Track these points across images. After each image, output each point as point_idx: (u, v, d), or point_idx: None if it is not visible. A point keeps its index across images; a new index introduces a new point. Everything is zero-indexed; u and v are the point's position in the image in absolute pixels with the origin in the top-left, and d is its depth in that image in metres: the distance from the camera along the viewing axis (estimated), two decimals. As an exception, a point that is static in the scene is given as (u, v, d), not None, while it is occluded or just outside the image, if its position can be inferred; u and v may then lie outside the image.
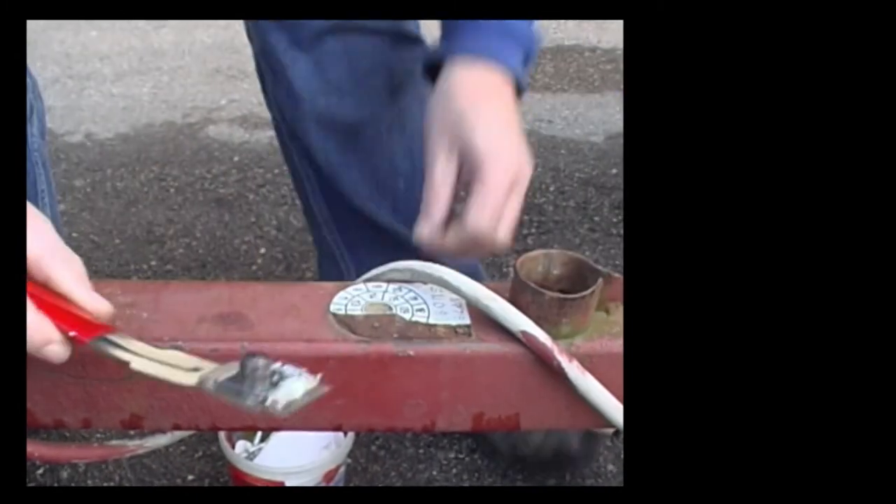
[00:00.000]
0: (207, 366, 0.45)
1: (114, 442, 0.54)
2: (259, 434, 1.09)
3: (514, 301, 0.50)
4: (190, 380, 0.44)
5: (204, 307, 0.51)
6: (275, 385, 0.42)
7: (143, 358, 0.46)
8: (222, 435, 1.05)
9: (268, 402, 0.42)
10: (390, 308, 0.52)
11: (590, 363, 0.50)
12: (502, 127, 0.71)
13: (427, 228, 0.67)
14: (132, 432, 0.55)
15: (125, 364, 0.46)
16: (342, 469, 1.06)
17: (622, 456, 1.16)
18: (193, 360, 0.46)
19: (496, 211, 0.65)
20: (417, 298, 0.53)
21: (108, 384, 0.49)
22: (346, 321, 0.51)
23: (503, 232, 0.67)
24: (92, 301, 0.48)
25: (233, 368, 0.43)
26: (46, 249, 0.48)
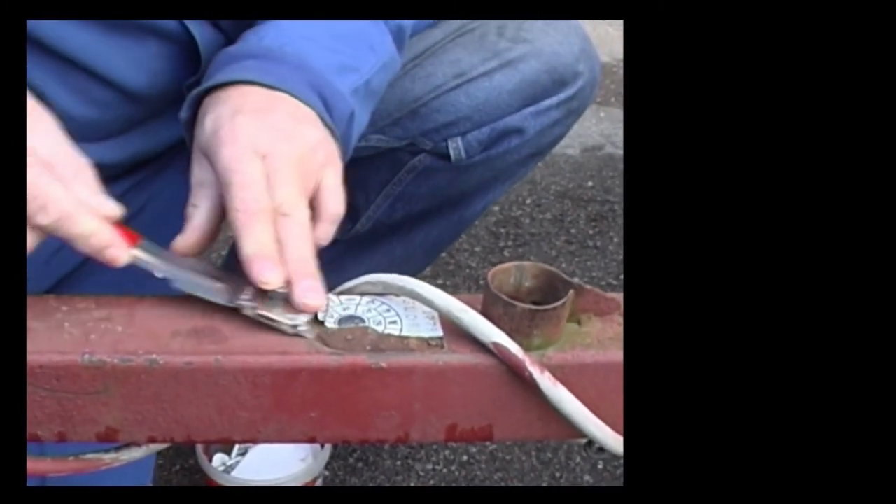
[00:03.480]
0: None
1: (89, 455, 0.54)
2: (236, 447, 1.09)
3: (485, 313, 0.51)
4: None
5: (178, 321, 0.51)
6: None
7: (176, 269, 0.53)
8: (199, 448, 1.05)
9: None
10: (363, 320, 0.52)
11: (561, 374, 0.51)
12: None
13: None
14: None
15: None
16: (319, 482, 1.07)
17: (598, 466, 1.17)
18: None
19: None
20: (390, 311, 0.53)
21: (84, 397, 0.49)
22: (320, 334, 0.51)
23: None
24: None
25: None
26: None
